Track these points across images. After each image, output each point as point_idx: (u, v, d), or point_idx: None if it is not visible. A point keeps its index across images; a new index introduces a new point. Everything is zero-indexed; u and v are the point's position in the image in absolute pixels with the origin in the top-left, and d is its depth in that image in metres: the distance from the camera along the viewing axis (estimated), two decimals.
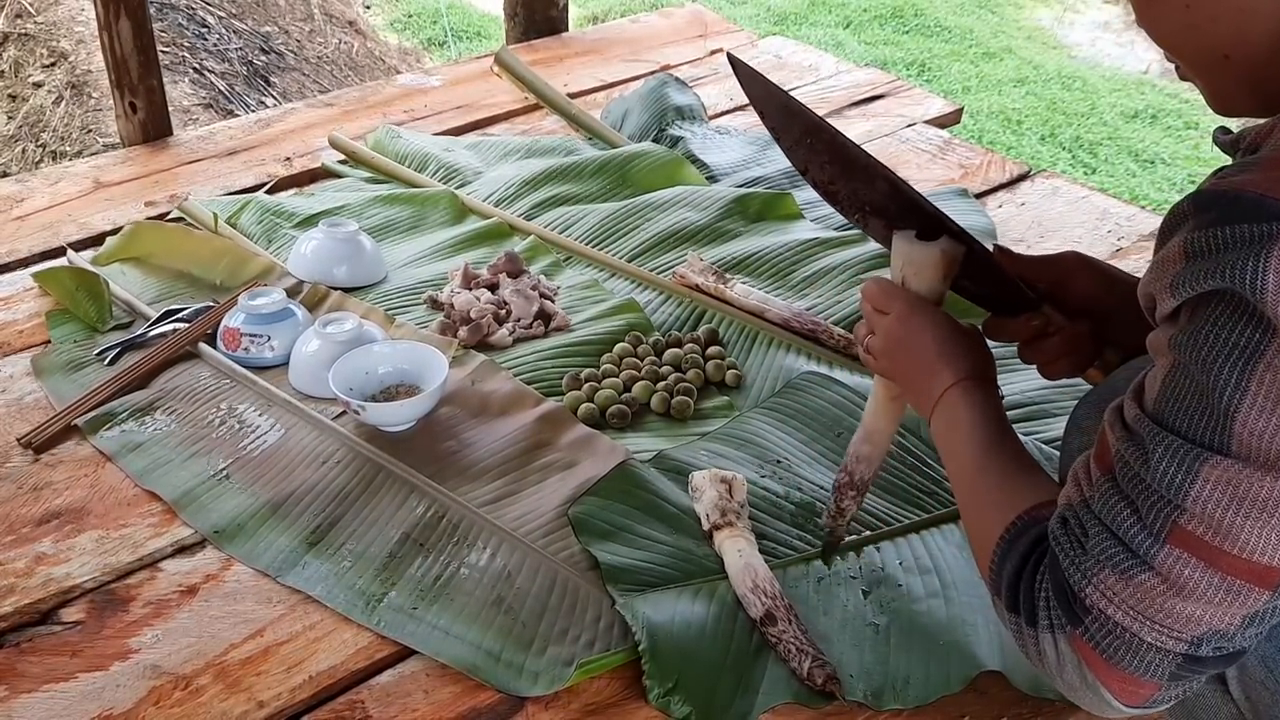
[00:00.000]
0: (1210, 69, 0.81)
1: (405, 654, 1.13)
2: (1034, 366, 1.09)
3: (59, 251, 1.83)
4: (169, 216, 1.92)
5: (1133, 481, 0.75)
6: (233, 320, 1.56)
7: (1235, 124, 0.84)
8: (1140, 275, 0.81)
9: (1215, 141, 0.82)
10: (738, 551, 1.19)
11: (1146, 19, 0.83)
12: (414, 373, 1.46)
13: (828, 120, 1.07)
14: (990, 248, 1.05)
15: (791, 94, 1.08)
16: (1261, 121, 0.77)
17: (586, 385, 1.49)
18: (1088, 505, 0.78)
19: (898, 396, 1.08)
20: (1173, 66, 0.85)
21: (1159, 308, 0.76)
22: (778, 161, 2.10)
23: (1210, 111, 0.84)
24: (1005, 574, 0.82)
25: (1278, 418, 0.68)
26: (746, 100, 2.34)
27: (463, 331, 1.58)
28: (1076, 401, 1.06)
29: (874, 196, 1.05)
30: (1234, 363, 0.69)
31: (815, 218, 1.91)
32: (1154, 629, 0.75)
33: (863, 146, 1.01)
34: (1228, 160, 0.80)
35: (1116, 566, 0.75)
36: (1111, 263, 1.12)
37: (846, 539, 1.25)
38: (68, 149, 3.08)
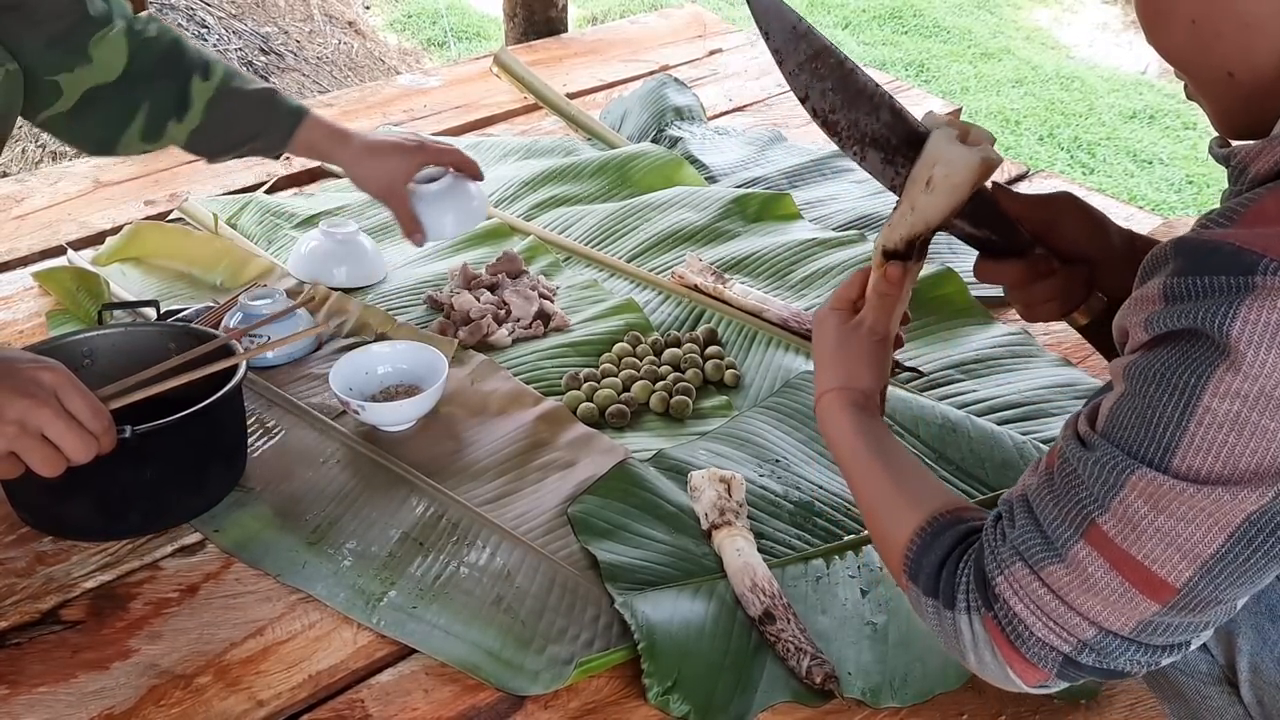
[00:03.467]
0: (1216, 88, 0.82)
1: (405, 653, 1.13)
2: (1018, 313, 1.09)
3: (59, 251, 1.83)
4: (169, 216, 1.92)
5: (1067, 479, 0.78)
6: (233, 320, 1.56)
7: None
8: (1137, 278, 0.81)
9: (1211, 152, 0.82)
10: (736, 550, 1.20)
11: (1155, 37, 0.83)
12: (414, 373, 1.47)
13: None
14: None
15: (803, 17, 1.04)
16: (1253, 142, 0.77)
17: (586, 385, 1.49)
18: (1025, 498, 0.81)
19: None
20: (1183, 83, 0.85)
21: (1130, 340, 0.77)
22: (776, 162, 2.10)
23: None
24: (925, 564, 0.87)
25: (1217, 450, 0.71)
26: (745, 100, 2.38)
27: (462, 331, 1.58)
28: (1075, 401, 1.07)
29: (875, 127, 1.00)
30: (1177, 398, 0.72)
31: (814, 218, 1.91)
32: (1045, 625, 0.79)
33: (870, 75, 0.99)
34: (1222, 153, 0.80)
35: (1030, 558, 0.79)
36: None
37: (845, 538, 1.26)
38: (68, 149, 3.09)
